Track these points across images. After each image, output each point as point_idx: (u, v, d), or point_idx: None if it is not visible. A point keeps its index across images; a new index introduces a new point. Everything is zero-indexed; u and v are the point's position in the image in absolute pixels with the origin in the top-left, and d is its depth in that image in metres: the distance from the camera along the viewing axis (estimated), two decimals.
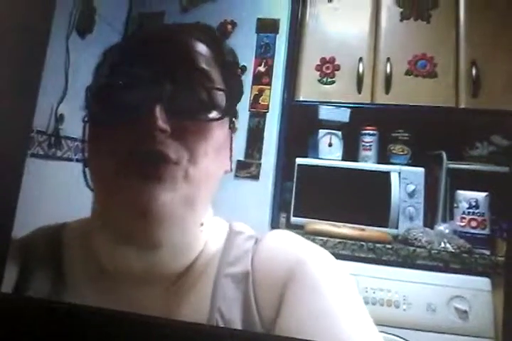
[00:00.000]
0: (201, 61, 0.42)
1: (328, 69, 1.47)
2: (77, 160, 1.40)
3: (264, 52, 1.45)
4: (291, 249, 0.44)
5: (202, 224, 0.44)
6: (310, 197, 1.37)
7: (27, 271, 0.43)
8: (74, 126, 1.36)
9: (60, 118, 1.31)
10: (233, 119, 0.45)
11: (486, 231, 1.26)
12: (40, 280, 0.43)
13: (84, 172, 0.43)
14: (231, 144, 0.45)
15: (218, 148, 0.42)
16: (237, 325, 0.40)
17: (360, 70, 1.45)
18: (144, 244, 0.41)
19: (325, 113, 1.44)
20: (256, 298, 0.42)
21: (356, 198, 1.35)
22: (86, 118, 0.43)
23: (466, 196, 1.30)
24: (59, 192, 1.25)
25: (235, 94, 0.45)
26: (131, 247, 0.42)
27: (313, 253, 0.44)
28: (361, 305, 0.41)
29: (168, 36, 0.44)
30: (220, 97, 0.42)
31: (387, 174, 1.36)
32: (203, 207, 0.44)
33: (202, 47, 0.43)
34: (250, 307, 0.41)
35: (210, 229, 0.46)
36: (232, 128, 0.45)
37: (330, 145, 1.44)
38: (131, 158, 0.38)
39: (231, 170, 0.46)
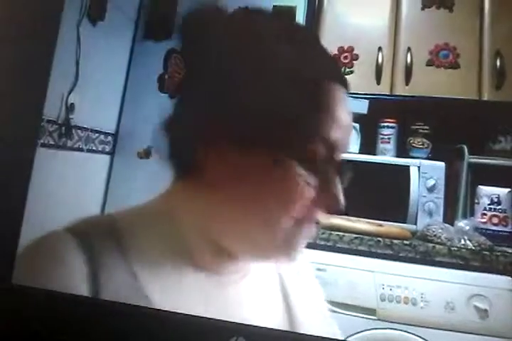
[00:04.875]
0: None
1: (346, 59, 1.43)
2: (88, 151, 1.38)
3: None
4: None
5: None
6: None
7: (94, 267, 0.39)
8: (84, 115, 1.34)
9: (70, 108, 1.28)
10: None
11: (508, 229, 1.23)
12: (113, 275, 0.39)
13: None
14: None
15: None
16: None
17: (380, 60, 1.41)
18: None
19: None
20: None
21: (374, 192, 1.31)
22: None
23: (488, 192, 1.27)
24: (69, 182, 1.24)
25: None
26: None
27: None
28: None
29: None
30: None
31: (407, 168, 1.32)
32: None
33: None
34: None
35: None
36: None
37: None
38: None
39: None
